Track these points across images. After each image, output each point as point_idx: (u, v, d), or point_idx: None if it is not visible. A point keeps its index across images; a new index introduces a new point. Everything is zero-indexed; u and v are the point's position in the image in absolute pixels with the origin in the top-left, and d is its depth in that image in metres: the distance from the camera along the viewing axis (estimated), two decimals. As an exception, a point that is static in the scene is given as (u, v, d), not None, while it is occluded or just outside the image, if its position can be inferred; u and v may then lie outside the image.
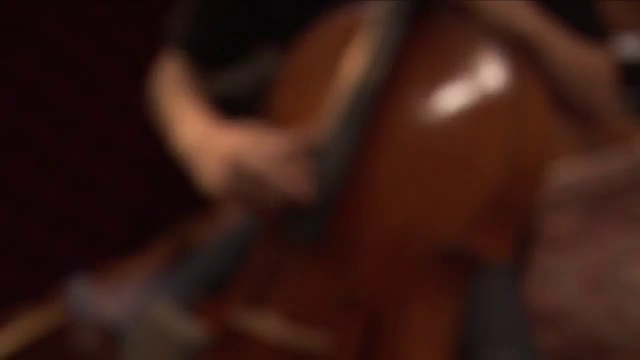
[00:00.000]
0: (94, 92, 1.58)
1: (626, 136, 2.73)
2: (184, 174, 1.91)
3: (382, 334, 0.70)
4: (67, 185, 1.61)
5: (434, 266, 0.71)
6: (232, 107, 1.01)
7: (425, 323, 0.73)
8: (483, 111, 0.70)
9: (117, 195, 1.74)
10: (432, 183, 0.70)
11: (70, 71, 1.51)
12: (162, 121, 0.97)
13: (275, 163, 0.70)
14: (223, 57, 1.03)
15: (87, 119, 1.59)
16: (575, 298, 1.80)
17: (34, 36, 1.41)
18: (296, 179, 0.70)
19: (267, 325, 0.71)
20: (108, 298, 1.77)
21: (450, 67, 0.73)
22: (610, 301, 1.79)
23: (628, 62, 3.00)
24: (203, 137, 0.84)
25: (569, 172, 2.45)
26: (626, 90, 2.93)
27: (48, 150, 1.55)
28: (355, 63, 0.74)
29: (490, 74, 0.71)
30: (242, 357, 0.74)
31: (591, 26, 0.91)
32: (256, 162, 0.70)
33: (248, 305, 0.75)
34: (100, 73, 1.57)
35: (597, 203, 2.26)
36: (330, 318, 0.72)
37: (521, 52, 0.76)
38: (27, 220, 1.56)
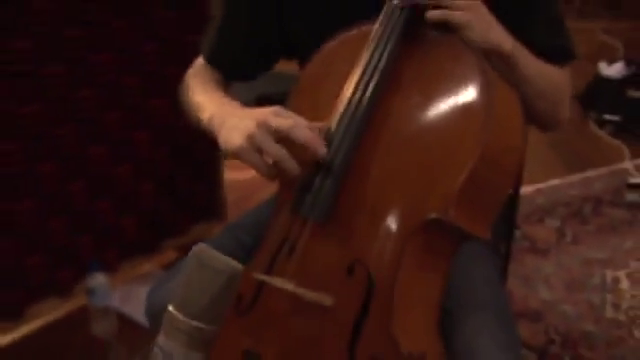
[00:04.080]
0: (117, 104, 1.70)
1: (608, 158, 2.89)
2: (196, 183, 2.03)
3: (379, 294, 0.83)
4: (90, 189, 1.72)
5: (423, 238, 0.83)
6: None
7: (417, 287, 0.85)
8: (462, 112, 0.83)
9: (135, 200, 1.85)
10: (420, 168, 0.82)
11: (96, 84, 1.64)
12: (192, 105, 1.06)
13: (297, 125, 0.80)
14: (240, 71, 1.15)
15: (110, 130, 1.71)
16: (556, 297, 1.93)
17: (63, 48, 1.54)
18: (312, 137, 0.80)
19: (285, 285, 0.84)
20: (124, 291, 1.89)
21: (436, 75, 0.86)
22: (587, 300, 1.91)
23: (610, 87, 3.17)
24: (231, 109, 0.93)
25: (554, 190, 2.59)
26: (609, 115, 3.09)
27: (75, 159, 1.65)
28: (359, 71, 0.88)
29: (468, 82, 0.84)
30: (264, 309, 0.87)
31: (559, 49, 1.05)
32: (282, 121, 0.80)
33: (268, 272, 0.88)
34: (122, 86, 1.70)
35: (579, 216, 2.39)
36: (337, 282, 0.84)
37: (495, 64, 0.90)
38: (54, 222, 1.66)
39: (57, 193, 1.64)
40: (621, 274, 2.03)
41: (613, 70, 3.25)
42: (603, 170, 2.76)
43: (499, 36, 0.88)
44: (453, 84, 0.85)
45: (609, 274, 2.03)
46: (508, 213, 1.50)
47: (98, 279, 1.70)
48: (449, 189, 0.80)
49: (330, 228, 0.85)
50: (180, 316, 0.59)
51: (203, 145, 1.96)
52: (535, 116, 1.03)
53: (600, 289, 1.96)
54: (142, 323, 1.75)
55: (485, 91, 0.82)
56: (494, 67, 0.88)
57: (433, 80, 0.86)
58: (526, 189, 2.54)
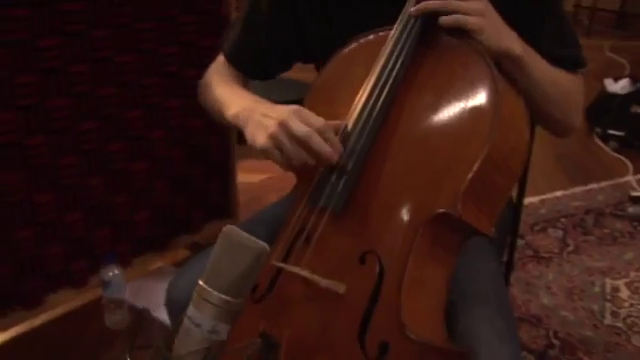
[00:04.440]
0: (137, 103, 1.75)
1: (612, 172, 2.94)
2: (209, 182, 2.07)
3: (389, 283, 0.88)
4: (107, 184, 1.77)
5: (432, 231, 0.88)
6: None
7: (425, 280, 0.90)
8: (472, 114, 0.88)
9: (150, 196, 1.90)
10: (431, 165, 0.87)
11: (119, 83, 1.69)
12: (211, 101, 1.13)
13: (314, 131, 0.85)
14: (260, 72, 1.21)
15: (129, 128, 1.77)
16: (556, 303, 1.97)
17: (90, 49, 1.60)
18: (327, 148, 0.86)
19: (301, 272, 0.89)
20: (136, 286, 1.94)
21: (448, 79, 0.91)
22: (586, 307, 1.96)
23: (615, 102, 3.22)
24: (254, 105, 0.98)
25: (558, 201, 2.64)
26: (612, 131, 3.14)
27: (95, 155, 1.70)
28: (376, 74, 0.94)
29: (478, 86, 0.90)
30: (280, 296, 0.92)
31: (569, 58, 1.10)
32: (301, 127, 0.86)
33: (285, 260, 0.94)
34: (143, 86, 1.76)
35: (581, 227, 2.44)
36: (350, 271, 0.89)
37: (506, 67, 0.96)
38: (72, 214, 1.71)
39: (76, 186, 1.69)
40: (621, 283, 2.08)
41: (618, 86, 3.30)
42: (606, 183, 2.81)
43: (510, 40, 0.93)
44: (464, 88, 0.90)
45: (609, 283, 2.08)
46: (512, 223, 1.55)
47: (112, 271, 1.76)
48: (457, 185, 0.85)
49: (345, 219, 0.90)
50: (210, 289, 0.65)
51: (217, 145, 2.03)
52: (546, 121, 1.08)
53: (600, 297, 2.01)
54: (154, 317, 1.82)
55: (494, 95, 0.88)
56: (504, 72, 0.94)
57: (445, 83, 0.92)
58: (531, 200, 2.60)
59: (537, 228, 2.40)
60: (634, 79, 3.33)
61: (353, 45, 1.01)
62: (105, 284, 1.76)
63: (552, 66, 1.02)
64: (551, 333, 1.83)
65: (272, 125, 0.88)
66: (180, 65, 1.80)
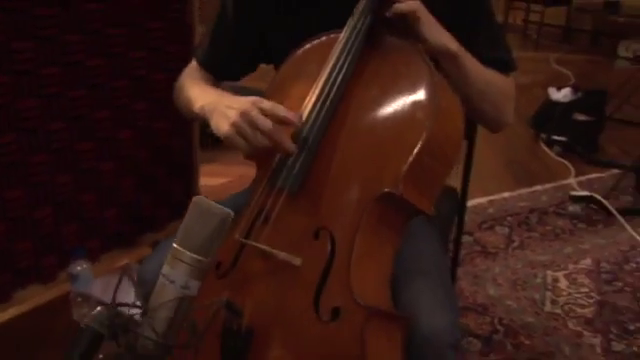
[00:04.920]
0: (106, 104, 1.83)
1: (555, 175, 3.11)
2: (173, 182, 2.15)
3: (340, 256, 0.98)
4: (76, 181, 1.83)
5: (378, 210, 0.99)
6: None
7: (372, 252, 1.00)
8: (412, 105, 0.99)
9: (117, 194, 1.97)
10: (377, 150, 0.98)
11: (89, 85, 1.77)
12: (183, 100, 1.23)
13: (272, 120, 0.96)
14: (228, 73, 1.33)
15: (98, 128, 1.84)
16: (501, 293, 2.11)
17: (62, 52, 1.68)
18: (284, 137, 0.96)
19: (261, 246, 0.99)
20: (104, 282, 2.00)
21: (392, 74, 1.02)
22: (529, 297, 2.10)
23: (559, 110, 3.41)
24: (219, 98, 1.08)
25: (504, 202, 2.79)
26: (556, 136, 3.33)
27: (64, 153, 1.75)
28: (328, 70, 1.05)
29: (418, 81, 1.01)
30: (242, 270, 1.02)
31: (501, 60, 1.23)
32: (259, 114, 0.96)
33: (247, 237, 1.03)
34: (112, 88, 1.84)
35: (525, 225, 2.60)
36: (305, 245, 0.99)
37: (444, 65, 1.07)
38: (42, 210, 1.77)
39: (46, 183, 1.75)
40: (560, 275, 2.23)
41: (561, 95, 3.49)
42: (549, 185, 2.98)
43: (446, 38, 1.06)
44: (405, 83, 1.02)
45: (550, 274, 2.23)
46: (458, 220, 1.69)
47: (81, 265, 1.83)
48: (399, 168, 0.96)
49: (300, 199, 1.01)
50: (183, 250, 0.74)
51: (181, 147, 2.11)
52: (481, 117, 1.20)
53: (541, 287, 2.15)
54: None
55: (431, 89, 0.99)
56: (442, 71, 1.06)
57: (389, 79, 1.03)
58: (479, 201, 2.75)
59: (485, 226, 2.55)
60: (576, 88, 3.53)
61: (307, 46, 1.12)
62: (73, 278, 1.82)
63: (486, 68, 1.14)
64: (496, 320, 1.96)
65: (234, 115, 0.98)
66: (148, 69, 1.88)
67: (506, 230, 2.53)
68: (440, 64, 1.07)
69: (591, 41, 6.17)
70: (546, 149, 3.39)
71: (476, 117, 1.22)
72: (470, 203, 2.70)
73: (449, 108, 1.03)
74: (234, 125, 0.98)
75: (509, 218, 2.63)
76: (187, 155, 2.15)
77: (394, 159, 0.97)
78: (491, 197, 2.79)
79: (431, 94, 0.99)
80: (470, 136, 1.61)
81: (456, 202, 1.63)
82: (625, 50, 5.57)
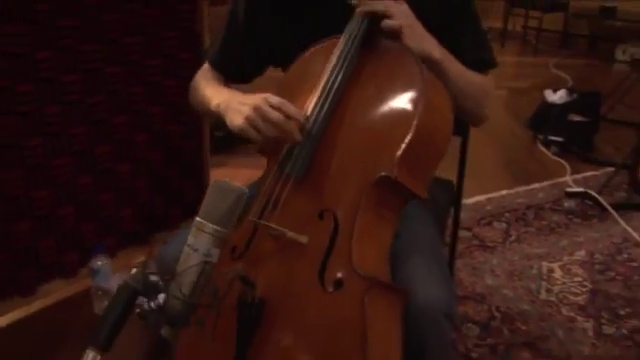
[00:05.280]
0: (124, 109, 1.96)
1: (552, 174, 3.22)
2: (185, 182, 2.27)
3: (342, 234, 1.09)
4: (95, 182, 1.96)
5: (376, 192, 1.09)
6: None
7: (372, 231, 1.11)
8: (405, 99, 1.10)
9: (132, 194, 2.10)
10: (374, 139, 1.09)
11: (108, 91, 1.90)
12: (199, 99, 1.34)
13: (281, 113, 1.07)
14: (238, 75, 1.44)
15: (116, 132, 1.97)
16: (499, 283, 2.21)
17: (82, 61, 1.81)
18: (292, 127, 1.07)
19: (271, 224, 1.10)
20: (121, 277, 2.11)
21: (387, 73, 1.14)
22: (525, 286, 2.20)
23: (555, 111, 3.52)
24: (232, 96, 1.20)
25: (503, 199, 2.90)
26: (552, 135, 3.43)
27: (84, 156, 1.89)
28: (329, 70, 1.17)
29: (411, 79, 1.13)
30: (255, 251, 1.13)
31: (483, 60, 1.34)
32: (270, 108, 1.07)
33: (259, 218, 1.14)
34: (129, 94, 1.96)
35: (522, 220, 2.70)
36: (311, 225, 1.10)
37: (430, 68, 1.19)
38: (64, 209, 1.90)
39: (68, 184, 1.88)
40: (555, 266, 2.33)
41: (557, 97, 3.60)
42: (546, 183, 3.08)
43: (430, 46, 1.17)
44: (399, 80, 1.13)
45: (545, 265, 2.33)
46: (454, 212, 1.80)
47: (101, 260, 1.94)
48: (394, 154, 1.07)
49: (306, 184, 1.12)
50: (205, 222, 0.85)
51: (192, 149, 2.23)
52: (463, 112, 1.31)
53: (537, 277, 2.25)
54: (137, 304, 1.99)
55: (422, 86, 1.10)
56: (430, 70, 1.18)
57: (385, 77, 1.15)
58: (478, 199, 2.86)
59: (483, 222, 2.65)
60: (571, 90, 3.64)
61: (311, 50, 1.24)
62: (94, 272, 1.94)
63: (467, 68, 1.25)
64: (493, 308, 2.06)
65: (247, 110, 1.10)
66: (162, 76, 2.01)
67: (504, 225, 2.64)
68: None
69: (589, 46, 6.28)
70: (543, 149, 3.50)
71: (459, 113, 1.32)
72: (469, 201, 2.81)
73: (438, 102, 1.14)
74: (247, 119, 1.09)
75: (507, 214, 2.74)
76: (198, 157, 2.27)
77: (389, 147, 1.08)
78: (489, 195, 2.89)
79: (421, 90, 1.10)
80: (464, 132, 1.73)
81: (451, 194, 1.73)
82: (622, 54, 5.68)
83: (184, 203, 2.25)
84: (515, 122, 4.03)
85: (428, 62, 1.17)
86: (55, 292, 1.98)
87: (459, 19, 1.29)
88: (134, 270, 0.82)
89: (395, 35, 1.15)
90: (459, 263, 2.31)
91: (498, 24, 6.60)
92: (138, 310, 0.81)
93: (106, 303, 1.95)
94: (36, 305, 1.94)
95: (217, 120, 1.24)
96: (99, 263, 1.93)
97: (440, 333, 1.15)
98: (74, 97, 1.80)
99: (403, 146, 1.07)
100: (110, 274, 1.96)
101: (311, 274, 1.07)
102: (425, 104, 1.10)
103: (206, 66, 1.43)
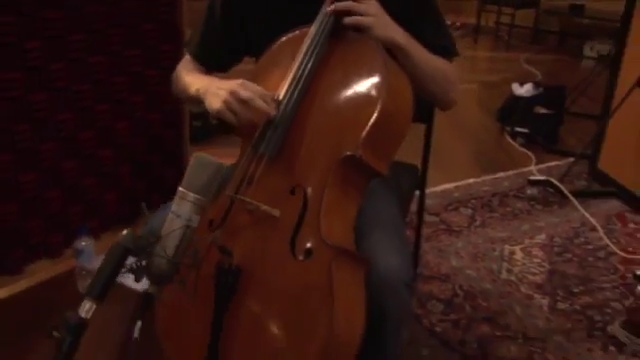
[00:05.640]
0: (106, 98, 2.05)
1: (518, 164, 3.36)
2: (165, 168, 2.36)
3: (311, 208, 1.20)
4: (80, 167, 2.05)
5: (342, 170, 1.20)
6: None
7: (338, 205, 1.22)
8: (369, 85, 1.21)
9: (116, 179, 2.19)
10: (341, 121, 1.20)
11: (92, 80, 1.99)
12: (181, 87, 1.44)
13: (255, 97, 1.18)
14: (217, 64, 1.55)
15: (99, 119, 2.06)
16: (463, 265, 2.34)
17: (67, 50, 1.89)
18: (265, 105, 1.18)
19: (246, 199, 1.21)
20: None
21: (352, 62, 1.25)
22: (487, 267, 2.33)
23: (521, 104, 3.66)
24: (211, 82, 1.30)
25: (469, 187, 3.04)
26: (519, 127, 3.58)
27: (70, 141, 1.98)
28: (300, 58, 1.27)
29: (374, 66, 1.24)
30: (231, 223, 1.23)
31: (444, 47, 1.46)
32: (246, 92, 1.18)
33: (236, 192, 1.25)
34: (112, 83, 2.06)
35: (487, 207, 2.83)
36: (283, 200, 1.20)
37: (395, 53, 1.30)
38: (51, 192, 1.99)
39: (54, 168, 1.97)
40: (517, 248, 2.47)
41: (524, 90, 3.75)
42: (512, 172, 3.23)
43: (395, 33, 1.28)
44: (364, 68, 1.24)
45: (507, 248, 2.47)
46: (419, 195, 1.93)
47: (85, 241, 2.03)
48: (359, 134, 1.18)
49: (278, 163, 1.23)
50: (187, 191, 0.96)
51: (172, 136, 2.33)
52: (430, 96, 1.42)
53: (499, 259, 2.39)
54: (120, 283, 2.08)
55: (384, 72, 1.22)
56: (394, 58, 1.29)
57: (351, 65, 1.26)
58: (446, 186, 2.99)
59: (450, 208, 2.79)
60: (537, 84, 3.79)
61: (282, 39, 1.35)
62: (78, 252, 2.03)
63: (431, 54, 1.37)
64: (457, 287, 2.19)
65: (224, 94, 1.20)
66: (143, 66, 2.10)
67: (469, 211, 2.77)
68: (392, 52, 1.30)
69: (559, 42, 6.46)
70: (510, 140, 3.64)
71: (427, 97, 1.43)
72: (438, 188, 2.94)
73: (399, 87, 1.26)
74: (225, 102, 1.20)
75: (473, 201, 2.87)
76: (178, 145, 2.37)
77: (355, 128, 1.20)
78: (457, 183, 3.03)
79: (384, 76, 1.22)
80: (428, 120, 1.85)
81: (416, 177, 1.86)
82: (590, 50, 5.86)
83: (165, 189, 2.35)
84: (485, 114, 4.17)
85: (393, 47, 1.28)
86: (41, 271, 2.07)
87: (419, 12, 1.40)
88: (125, 232, 0.92)
89: (360, 29, 1.26)
90: (426, 246, 2.44)
91: (472, 20, 6.75)
92: (124, 270, 0.91)
93: (89, 282, 2.07)
94: (23, 284, 2.03)
95: (197, 105, 1.35)
96: (83, 244, 2.02)
97: (400, 300, 1.26)
98: (60, 84, 1.89)
99: (367, 128, 1.19)
100: (94, 254, 2.05)
101: (283, 244, 1.18)
102: (387, 89, 1.21)
103: (187, 57, 1.53)
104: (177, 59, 1.56)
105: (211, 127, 3.13)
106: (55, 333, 0.86)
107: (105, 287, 0.88)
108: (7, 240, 1.92)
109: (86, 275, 2.05)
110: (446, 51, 1.44)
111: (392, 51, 1.30)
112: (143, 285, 2.00)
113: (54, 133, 1.93)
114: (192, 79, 1.41)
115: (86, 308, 0.88)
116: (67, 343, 0.85)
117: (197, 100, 1.34)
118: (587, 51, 5.89)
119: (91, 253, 2.05)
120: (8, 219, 1.90)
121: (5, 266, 1.95)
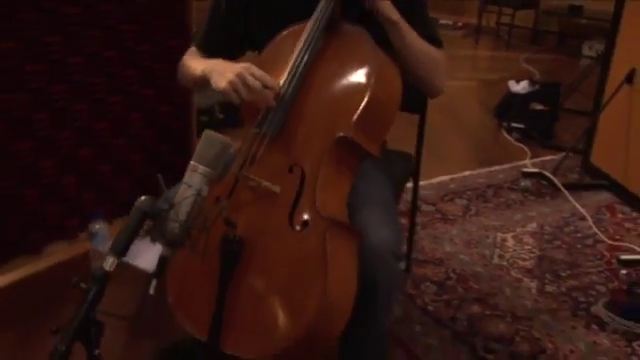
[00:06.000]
0: (119, 90, 2.18)
1: (513, 158, 3.48)
2: (175, 156, 2.48)
3: (308, 185, 1.32)
4: (95, 155, 2.18)
5: (337, 150, 1.32)
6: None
7: (333, 182, 1.35)
8: (362, 73, 1.33)
9: (129, 167, 2.32)
10: (335, 105, 1.32)
11: (105, 73, 2.12)
12: (186, 72, 1.57)
13: (260, 80, 1.30)
14: (221, 56, 1.67)
15: (112, 110, 2.19)
16: (456, 250, 2.46)
17: (86, 44, 2.03)
18: (267, 93, 1.31)
19: (250, 175, 1.33)
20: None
21: (347, 52, 1.38)
22: (480, 253, 2.45)
23: (518, 100, 3.78)
24: (217, 64, 1.42)
25: (465, 179, 3.16)
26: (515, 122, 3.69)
27: (86, 131, 2.11)
28: (298, 49, 1.40)
29: (366, 56, 1.36)
30: (236, 199, 1.36)
31: (431, 37, 1.57)
32: (250, 76, 1.29)
33: (240, 170, 1.37)
34: (124, 77, 2.19)
35: (482, 197, 2.95)
36: (282, 177, 1.33)
37: (388, 31, 1.42)
38: (67, 178, 2.12)
39: (71, 155, 2.10)
40: (508, 236, 2.59)
41: (520, 87, 3.87)
42: (507, 165, 3.35)
43: (390, 9, 1.41)
44: (356, 58, 1.37)
45: (499, 236, 2.58)
46: (413, 182, 2.05)
47: (99, 224, 2.17)
48: (351, 117, 1.31)
49: (278, 143, 1.35)
50: (197, 164, 1.09)
51: (181, 127, 2.46)
52: (418, 81, 1.53)
53: (491, 245, 2.51)
54: (133, 265, 2.20)
55: (375, 62, 1.34)
56: (388, 38, 1.41)
57: (345, 55, 1.39)
58: (442, 178, 3.12)
59: (446, 198, 2.91)
60: (533, 81, 3.90)
61: (283, 33, 1.48)
62: (93, 235, 2.16)
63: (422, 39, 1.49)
64: (450, 270, 2.31)
65: (230, 75, 1.32)
66: (152, 60, 2.23)
67: (465, 201, 2.89)
68: (387, 34, 1.42)
69: (558, 41, 6.57)
70: (506, 135, 3.76)
71: (416, 82, 1.54)
72: (435, 180, 3.06)
73: (388, 77, 1.38)
74: (231, 83, 1.32)
75: (468, 192, 2.99)
76: (186, 136, 2.50)
77: (347, 112, 1.32)
78: (453, 175, 3.15)
79: (374, 66, 1.35)
80: (421, 110, 1.98)
81: (410, 165, 1.98)
82: (589, 49, 5.96)
83: (174, 177, 2.47)
84: (483, 111, 4.29)
85: (389, 22, 1.41)
86: (58, 252, 2.20)
87: (408, 5, 1.51)
88: (143, 197, 1.05)
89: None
90: (422, 233, 2.56)
91: (473, 20, 6.88)
92: (145, 229, 1.04)
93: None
94: (41, 264, 2.16)
95: (203, 88, 1.47)
96: (97, 227, 2.15)
97: (389, 269, 1.38)
98: (77, 77, 2.02)
99: (358, 112, 1.31)
100: (107, 237, 2.18)
101: (283, 217, 1.30)
102: (377, 78, 1.34)
103: (193, 49, 1.65)
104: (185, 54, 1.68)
105: (217, 121, 3.26)
106: (82, 285, 0.99)
107: (126, 245, 1.01)
108: (27, 222, 2.05)
109: (100, 258, 2.18)
110: (434, 41, 1.56)
111: (385, 27, 1.42)
112: (150, 266, 2.14)
113: (71, 122, 2.06)
114: (197, 63, 1.53)
115: (109, 262, 1.01)
116: (93, 292, 0.98)
117: (203, 81, 1.45)
118: (586, 50, 5.99)
119: (105, 236, 2.18)
120: (29, 202, 2.03)
121: (25, 247, 2.08)
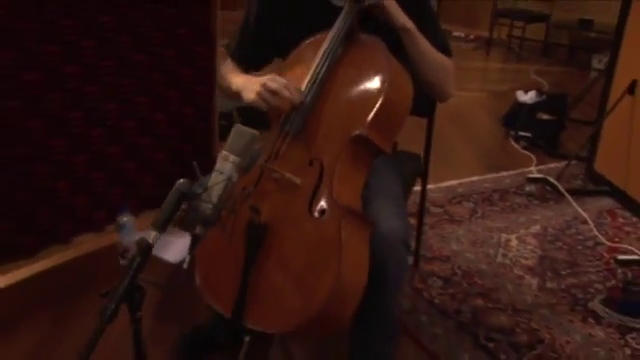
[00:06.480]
0: (146, 92, 2.33)
1: (520, 165, 3.60)
2: (198, 157, 2.62)
3: (326, 177, 1.46)
4: (122, 152, 2.33)
5: (353, 147, 1.46)
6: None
7: (348, 175, 1.49)
8: (376, 79, 1.48)
9: (153, 164, 2.47)
10: (352, 106, 1.47)
11: (134, 76, 2.27)
12: (225, 85, 1.73)
13: (282, 87, 1.46)
14: (252, 64, 1.81)
15: (140, 110, 2.34)
16: (462, 249, 2.59)
17: (113, 48, 2.18)
18: (290, 95, 1.46)
19: (274, 167, 1.48)
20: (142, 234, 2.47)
21: (363, 60, 1.52)
22: (484, 252, 2.58)
23: (525, 110, 3.90)
24: (247, 80, 1.61)
25: (472, 183, 3.29)
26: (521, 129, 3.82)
27: (115, 129, 2.26)
28: (319, 57, 1.55)
29: (380, 63, 1.50)
30: (261, 189, 1.50)
31: (442, 46, 1.71)
32: (274, 84, 1.46)
33: (265, 164, 1.52)
34: (151, 79, 2.34)
35: (488, 201, 3.08)
36: (303, 170, 1.47)
37: (402, 39, 1.56)
38: (96, 173, 2.27)
39: (100, 152, 2.25)
40: (512, 237, 2.71)
41: (527, 97, 4.00)
42: (513, 172, 3.48)
43: (405, 18, 1.55)
44: (372, 66, 1.51)
45: (504, 236, 2.71)
46: (422, 182, 2.19)
47: (127, 216, 2.31)
48: (366, 117, 1.45)
49: (300, 140, 1.50)
50: (228, 154, 1.23)
51: (203, 129, 2.60)
52: (429, 87, 1.68)
53: (495, 245, 2.64)
54: (158, 257, 2.32)
55: (388, 69, 1.49)
56: (401, 57, 1.56)
57: (362, 62, 1.53)
58: (451, 183, 3.25)
59: (454, 201, 3.04)
60: (540, 91, 4.04)
61: (306, 42, 1.63)
62: (120, 227, 2.30)
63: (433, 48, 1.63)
64: (456, 267, 2.44)
65: (257, 87, 1.49)
66: (178, 65, 2.38)
67: (471, 205, 3.02)
68: (401, 43, 1.57)
69: (568, 55, 6.70)
70: (513, 144, 3.89)
71: (427, 88, 1.68)
72: (443, 184, 3.20)
73: (400, 83, 1.53)
74: (258, 94, 1.49)
75: (475, 196, 3.12)
76: (208, 137, 2.64)
77: (363, 112, 1.46)
78: (461, 180, 3.28)
79: (388, 72, 1.49)
80: (429, 114, 2.12)
81: (419, 164, 2.12)
82: (598, 62, 6.08)
83: (196, 176, 2.61)
84: (492, 120, 4.42)
85: (403, 30, 1.56)
86: (86, 243, 2.35)
87: (420, 16, 1.64)
88: (181, 180, 1.20)
89: (377, 12, 1.54)
90: (430, 233, 2.69)
91: (485, 33, 7.02)
92: (183, 208, 1.19)
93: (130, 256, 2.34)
94: (70, 253, 2.31)
95: (237, 98, 1.63)
96: (124, 219, 2.30)
97: (398, 256, 1.51)
98: (109, 79, 2.18)
99: (373, 113, 1.46)
100: (134, 229, 2.32)
101: (303, 205, 1.44)
102: (390, 83, 1.48)
103: (228, 60, 1.82)
104: (210, 60, 1.81)
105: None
106: (126, 256, 1.13)
107: (166, 221, 1.16)
108: (58, 214, 2.20)
109: (127, 248, 2.32)
110: (444, 50, 1.70)
111: (400, 35, 1.57)
112: (175, 258, 2.28)
113: (101, 121, 2.21)
114: (232, 79, 1.70)
115: (152, 236, 1.15)
116: (137, 262, 1.12)
117: (237, 95, 1.63)
118: (595, 63, 6.11)
119: (131, 228, 2.32)
120: (60, 195, 2.18)
121: (56, 237, 2.23)
